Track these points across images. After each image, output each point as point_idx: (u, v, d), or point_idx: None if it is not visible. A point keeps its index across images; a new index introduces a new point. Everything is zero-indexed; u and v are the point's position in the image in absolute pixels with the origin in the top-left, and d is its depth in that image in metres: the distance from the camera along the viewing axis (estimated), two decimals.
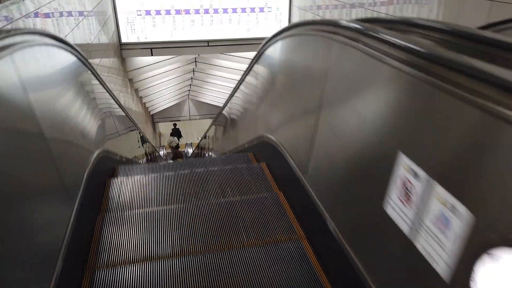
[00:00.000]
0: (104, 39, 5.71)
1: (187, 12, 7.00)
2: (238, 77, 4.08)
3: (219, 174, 2.82)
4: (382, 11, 4.47)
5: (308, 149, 1.99)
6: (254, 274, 1.81)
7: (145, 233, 2.10)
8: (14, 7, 2.39)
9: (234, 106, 5.04)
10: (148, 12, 6.85)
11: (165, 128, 23.01)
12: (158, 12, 6.89)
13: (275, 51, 2.89)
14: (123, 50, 7.08)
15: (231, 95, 4.95)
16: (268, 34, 2.88)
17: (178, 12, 6.97)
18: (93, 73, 3.01)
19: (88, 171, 2.23)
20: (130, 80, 8.11)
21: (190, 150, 21.55)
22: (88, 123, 2.56)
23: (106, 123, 3.25)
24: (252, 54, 3.38)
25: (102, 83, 3.32)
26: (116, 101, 3.99)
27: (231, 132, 5.25)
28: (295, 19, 7.33)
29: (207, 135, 10.65)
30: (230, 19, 7.25)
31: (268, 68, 3.18)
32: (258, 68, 3.47)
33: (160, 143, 22.17)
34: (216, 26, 7.25)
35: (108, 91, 3.56)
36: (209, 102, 16.34)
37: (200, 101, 16.58)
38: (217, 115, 6.75)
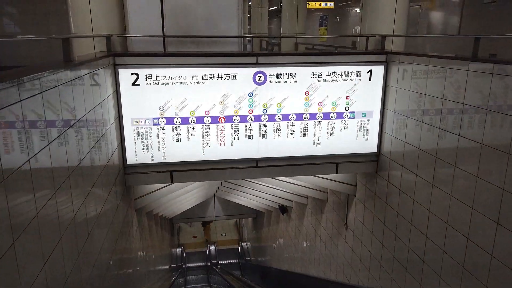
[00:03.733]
0: (96, 161, 3.26)
1: (229, 120, 4.61)
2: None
3: None
4: None
5: None
6: None
7: None
8: None
9: None
10: (170, 121, 4.48)
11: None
12: (185, 121, 4.52)
13: None
14: (128, 175, 4.62)
15: None
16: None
17: (215, 120, 4.58)
18: None
19: None
20: (138, 211, 5.54)
21: (212, 248, 18.77)
22: None
23: None
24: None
25: None
26: None
27: None
28: (390, 129, 4.81)
29: None
30: (292, 129, 4.79)
31: None
32: None
33: (178, 241, 19.21)
34: (271, 139, 4.79)
35: None
36: (238, 202, 13.71)
37: (228, 200, 14.00)
38: None
